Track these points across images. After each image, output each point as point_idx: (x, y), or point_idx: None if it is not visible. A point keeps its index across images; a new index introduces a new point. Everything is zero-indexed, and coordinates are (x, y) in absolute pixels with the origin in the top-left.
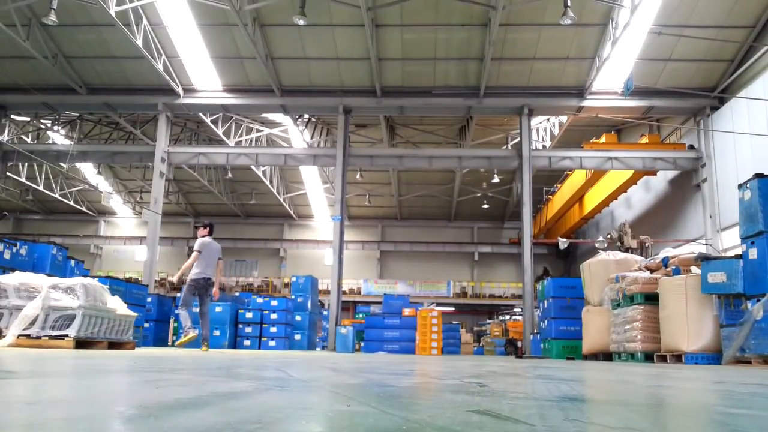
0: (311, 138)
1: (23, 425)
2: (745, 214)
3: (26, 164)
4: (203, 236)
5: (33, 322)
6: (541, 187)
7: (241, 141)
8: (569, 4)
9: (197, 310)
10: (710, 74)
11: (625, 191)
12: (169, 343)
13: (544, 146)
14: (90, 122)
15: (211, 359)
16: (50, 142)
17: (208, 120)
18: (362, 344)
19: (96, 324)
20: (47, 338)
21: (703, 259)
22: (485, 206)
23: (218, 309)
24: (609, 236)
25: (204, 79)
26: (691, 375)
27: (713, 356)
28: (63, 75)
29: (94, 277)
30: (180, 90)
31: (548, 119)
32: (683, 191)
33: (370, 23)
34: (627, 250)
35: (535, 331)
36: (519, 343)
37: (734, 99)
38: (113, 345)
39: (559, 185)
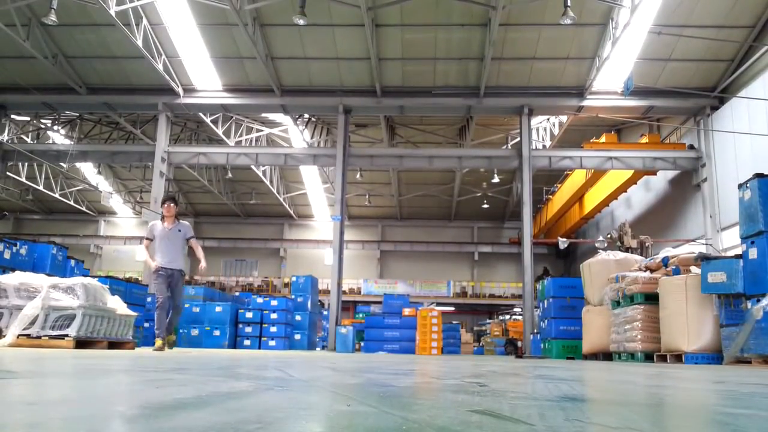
0: (311, 138)
1: (23, 425)
2: (745, 214)
3: (26, 164)
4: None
5: (33, 322)
6: (541, 187)
7: (241, 141)
8: (569, 4)
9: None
10: (710, 74)
11: (625, 191)
12: None
13: (544, 146)
14: (90, 122)
15: (211, 359)
16: (50, 141)
17: (208, 120)
18: (362, 344)
19: (96, 324)
20: (47, 338)
21: (703, 259)
22: (485, 206)
23: (218, 309)
24: (609, 236)
25: (204, 79)
26: (691, 375)
27: (713, 356)
28: (63, 75)
29: (94, 276)
30: (180, 90)
31: (548, 119)
32: (683, 191)
33: (370, 23)
34: (627, 249)
35: (535, 330)
36: (519, 343)
37: (734, 99)
38: (113, 345)
39: (559, 185)
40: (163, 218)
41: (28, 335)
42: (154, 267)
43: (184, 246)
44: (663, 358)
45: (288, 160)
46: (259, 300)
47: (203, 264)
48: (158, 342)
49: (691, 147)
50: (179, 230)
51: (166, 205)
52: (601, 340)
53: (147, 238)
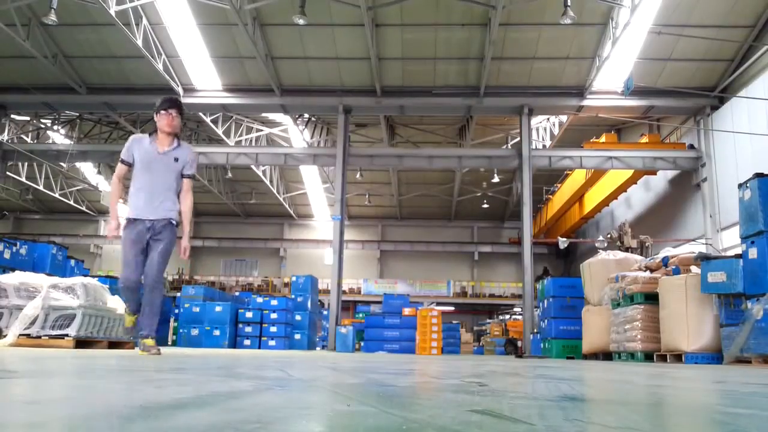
0: (311, 137)
1: (23, 425)
2: (745, 214)
3: (26, 164)
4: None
5: (33, 322)
6: (541, 187)
7: (240, 140)
8: (569, 4)
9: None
10: (710, 74)
11: (625, 191)
12: (169, 343)
13: (544, 146)
14: (90, 122)
15: (210, 359)
16: (50, 141)
17: (208, 119)
18: (362, 344)
19: (96, 323)
20: (47, 338)
21: (703, 259)
22: (485, 206)
23: (218, 309)
24: (609, 236)
25: (204, 78)
26: (691, 374)
27: (713, 356)
28: (63, 75)
29: (94, 276)
30: (180, 89)
31: (548, 119)
32: (683, 191)
33: (370, 23)
34: (627, 249)
35: (535, 330)
36: (519, 343)
37: (734, 98)
38: (113, 345)
39: (559, 185)
40: (153, 134)
41: (28, 335)
42: (118, 223)
43: (178, 184)
44: (663, 358)
45: (288, 160)
46: (259, 300)
47: (186, 233)
48: (149, 341)
49: (691, 147)
50: (176, 158)
51: (164, 113)
52: (601, 339)
53: (122, 161)
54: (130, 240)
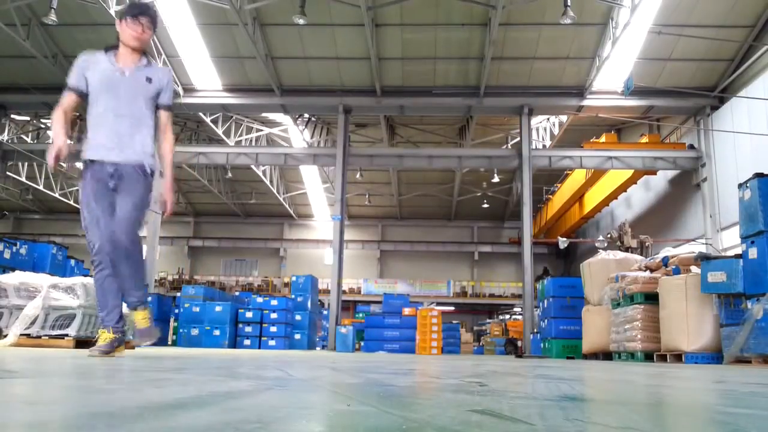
0: (311, 137)
1: (23, 425)
2: (745, 214)
3: (26, 163)
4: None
5: (33, 322)
6: (541, 187)
7: (240, 140)
8: (569, 4)
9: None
10: (710, 74)
11: (625, 191)
12: (169, 343)
13: (544, 146)
14: None
15: (211, 359)
16: (50, 141)
17: (208, 119)
18: (362, 344)
19: (96, 323)
20: (47, 338)
21: (703, 259)
22: (485, 206)
23: (218, 309)
24: (609, 236)
25: (204, 78)
26: (691, 374)
27: (713, 356)
28: (63, 74)
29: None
30: (180, 89)
31: (548, 119)
32: (683, 191)
33: (370, 23)
34: (627, 249)
35: (535, 330)
36: (519, 343)
37: (734, 98)
38: None
39: (559, 185)
40: (112, 49)
41: (28, 335)
42: (63, 145)
43: (151, 113)
44: (663, 358)
45: (288, 160)
46: (259, 300)
47: (168, 181)
48: (103, 334)
49: (691, 147)
50: (148, 78)
51: (131, 21)
52: (601, 339)
53: (71, 89)
54: (91, 191)
